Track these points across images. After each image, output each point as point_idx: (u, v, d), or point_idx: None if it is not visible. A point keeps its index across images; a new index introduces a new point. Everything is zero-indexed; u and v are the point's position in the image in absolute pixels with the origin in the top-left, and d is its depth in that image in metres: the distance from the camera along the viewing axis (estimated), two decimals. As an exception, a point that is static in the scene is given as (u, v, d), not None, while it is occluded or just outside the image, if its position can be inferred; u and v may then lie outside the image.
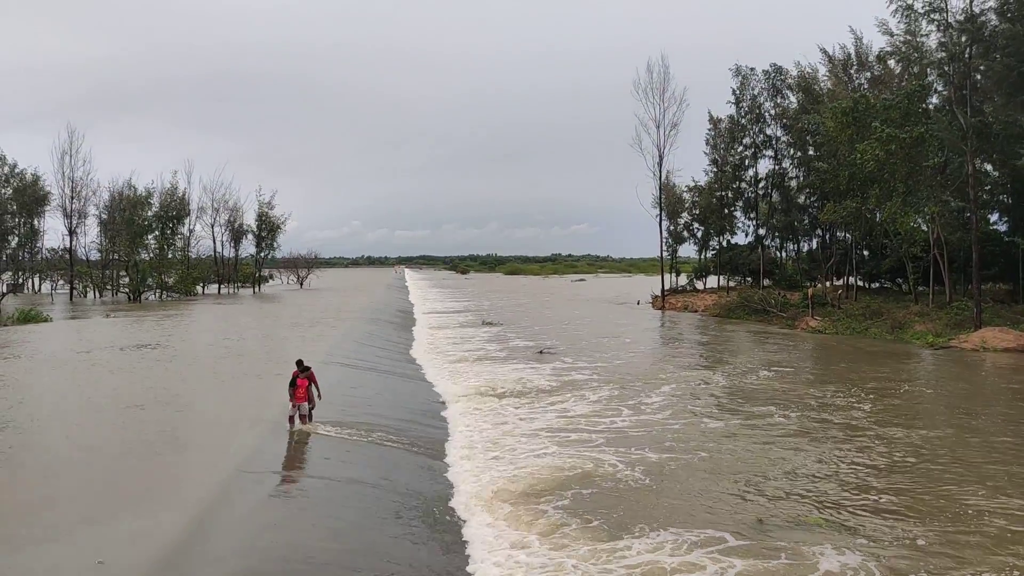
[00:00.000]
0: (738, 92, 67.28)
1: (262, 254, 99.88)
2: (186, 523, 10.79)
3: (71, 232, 79.10)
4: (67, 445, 15.60)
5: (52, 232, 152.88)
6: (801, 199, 65.99)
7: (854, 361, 33.48)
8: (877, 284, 60.05)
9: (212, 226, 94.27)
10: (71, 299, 75.31)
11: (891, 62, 52.99)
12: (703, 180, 73.80)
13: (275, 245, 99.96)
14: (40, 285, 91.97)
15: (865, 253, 59.34)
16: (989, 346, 35.59)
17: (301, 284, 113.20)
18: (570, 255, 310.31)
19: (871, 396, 24.41)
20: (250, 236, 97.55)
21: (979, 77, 44.05)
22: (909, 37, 44.92)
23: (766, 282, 66.59)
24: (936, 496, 14.12)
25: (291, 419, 16.77)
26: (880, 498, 14.02)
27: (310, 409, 17.29)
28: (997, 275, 48.02)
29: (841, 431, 19.65)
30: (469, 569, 10.96)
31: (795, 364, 32.79)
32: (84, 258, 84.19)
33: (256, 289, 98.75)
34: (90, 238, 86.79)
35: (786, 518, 12.97)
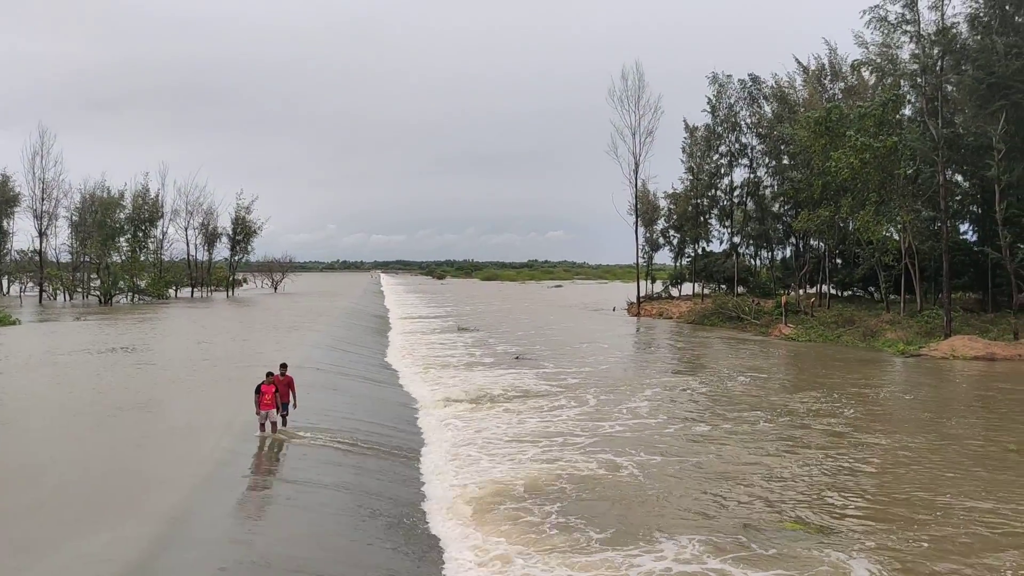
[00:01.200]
0: (714, 100, 67.66)
1: (236, 258, 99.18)
2: (155, 531, 10.61)
3: (41, 234, 78.08)
4: (42, 450, 15.36)
5: (22, 233, 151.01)
6: (775, 207, 66.51)
7: (829, 368, 33.76)
8: (850, 292, 60.64)
9: (186, 229, 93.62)
10: (40, 302, 74.20)
11: (865, 72, 53.65)
12: (679, 187, 74.27)
13: (250, 249, 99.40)
14: (8, 287, 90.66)
15: (838, 262, 59.93)
16: (958, 354, 36.03)
17: (275, 288, 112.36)
18: (547, 261, 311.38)
19: (850, 402, 24.67)
20: (224, 239, 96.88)
21: (950, 89, 44.68)
22: (885, 48, 45.46)
23: (740, 289, 67.07)
24: (924, 500, 14.29)
25: (261, 426, 16.47)
26: (870, 504, 14.15)
27: (283, 415, 16.94)
28: (967, 284, 48.67)
29: (824, 437, 19.82)
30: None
31: (771, 371, 33.01)
32: (54, 260, 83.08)
33: (230, 293, 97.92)
34: (61, 240, 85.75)
35: (778, 526, 13.03)
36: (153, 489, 12.72)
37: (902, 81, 46.09)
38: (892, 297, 50.03)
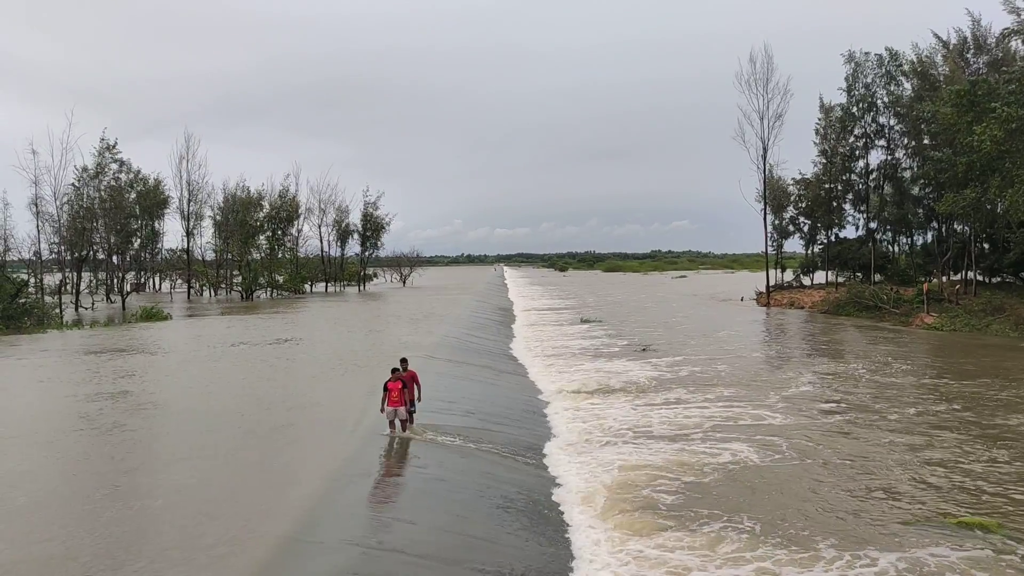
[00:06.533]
0: (850, 79, 64.65)
1: (367, 253, 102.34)
2: (293, 519, 11.03)
3: (188, 233, 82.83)
4: (191, 440, 16.37)
5: (172, 234, 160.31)
6: (915, 190, 63.07)
7: (981, 357, 31.83)
8: (999, 279, 56.85)
9: (319, 226, 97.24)
10: (188, 297, 78.94)
11: (1014, 43, 50.11)
12: (809, 172, 71.62)
13: (379, 244, 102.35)
14: (160, 284, 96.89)
15: (985, 246, 56.29)
16: None
17: (404, 282, 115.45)
18: (670, 251, 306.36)
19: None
20: (355, 236, 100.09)
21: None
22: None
23: (877, 277, 64.01)
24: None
25: (391, 424, 16.30)
26: None
27: (410, 413, 16.55)
28: None
29: (1007, 431, 18.86)
30: (573, 567, 10.93)
31: (920, 360, 31.53)
32: (200, 258, 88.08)
33: (361, 287, 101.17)
34: (205, 239, 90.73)
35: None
36: (292, 477, 13.34)
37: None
38: (1048, 283, 46.62)
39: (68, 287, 60.53)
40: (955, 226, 58.54)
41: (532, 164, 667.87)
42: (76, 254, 65.32)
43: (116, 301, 65.25)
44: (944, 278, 58.37)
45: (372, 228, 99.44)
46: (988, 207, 48.51)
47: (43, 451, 15.06)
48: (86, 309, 55.10)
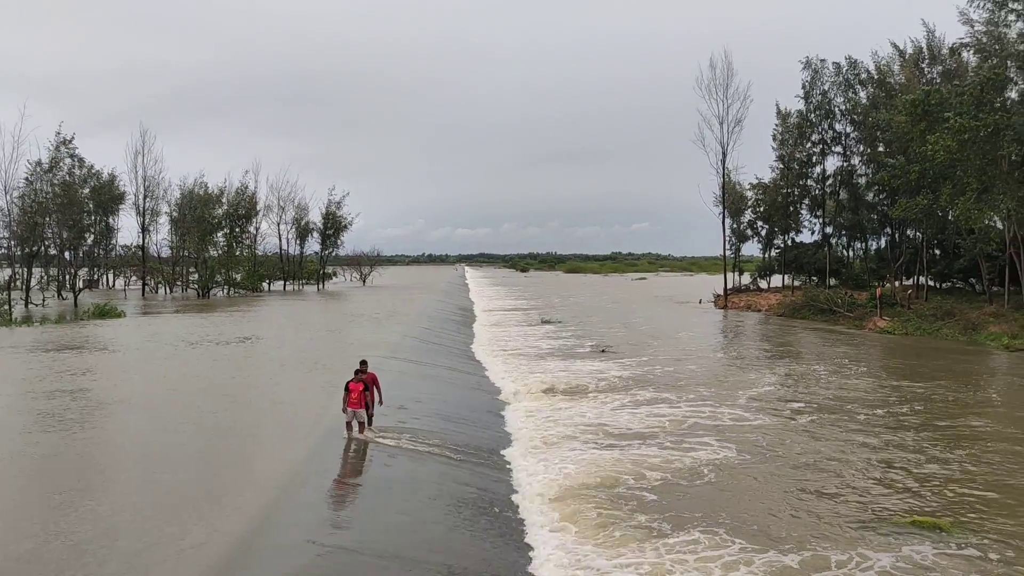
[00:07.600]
0: (808, 86, 65.67)
1: (327, 252, 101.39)
2: (251, 518, 10.99)
3: (144, 229, 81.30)
4: (151, 439, 16.13)
5: (126, 230, 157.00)
6: (870, 196, 64.34)
7: (931, 360, 32.59)
8: (949, 284, 58.27)
9: (278, 224, 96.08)
10: (143, 295, 77.46)
11: (966, 55, 51.36)
12: (767, 177, 72.62)
13: (340, 243, 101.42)
14: (114, 281, 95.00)
15: (937, 252, 57.63)
16: (1070, 349, 34.26)
17: (364, 281, 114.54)
18: (631, 253, 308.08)
19: (966, 395, 24.22)
20: (315, 234, 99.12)
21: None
22: (991, 27, 43.36)
23: (832, 281, 65.16)
24: None
25: (348, 425, 16.09)
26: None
27: (370, 415, 16.42)
28: (1078, 275, 46.08)
29: (960, 431, 19.32)
30: (531, 568, 10.97)
31: (872, 363, 32.14)
32: (156, 255, 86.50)
33: (320, 286, 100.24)
34: (161, 235, 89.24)
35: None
36: (251, 476, 13.26)
37: (1008, 62, 43.89)
38: (995, 289, 47.87)
39: (18, 283, 59.11)
40: (908, 232, 59.81)
41: (494, 165, 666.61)
42: (27, 249, 63.77)
43: (68, 298, 63.87)
44: (897, 283, 59.65)
45: (333, 227, 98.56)
46: (939, 214, 49.70)
47: (4, 449, 14.73)
48: (37, 306, 53.89)
